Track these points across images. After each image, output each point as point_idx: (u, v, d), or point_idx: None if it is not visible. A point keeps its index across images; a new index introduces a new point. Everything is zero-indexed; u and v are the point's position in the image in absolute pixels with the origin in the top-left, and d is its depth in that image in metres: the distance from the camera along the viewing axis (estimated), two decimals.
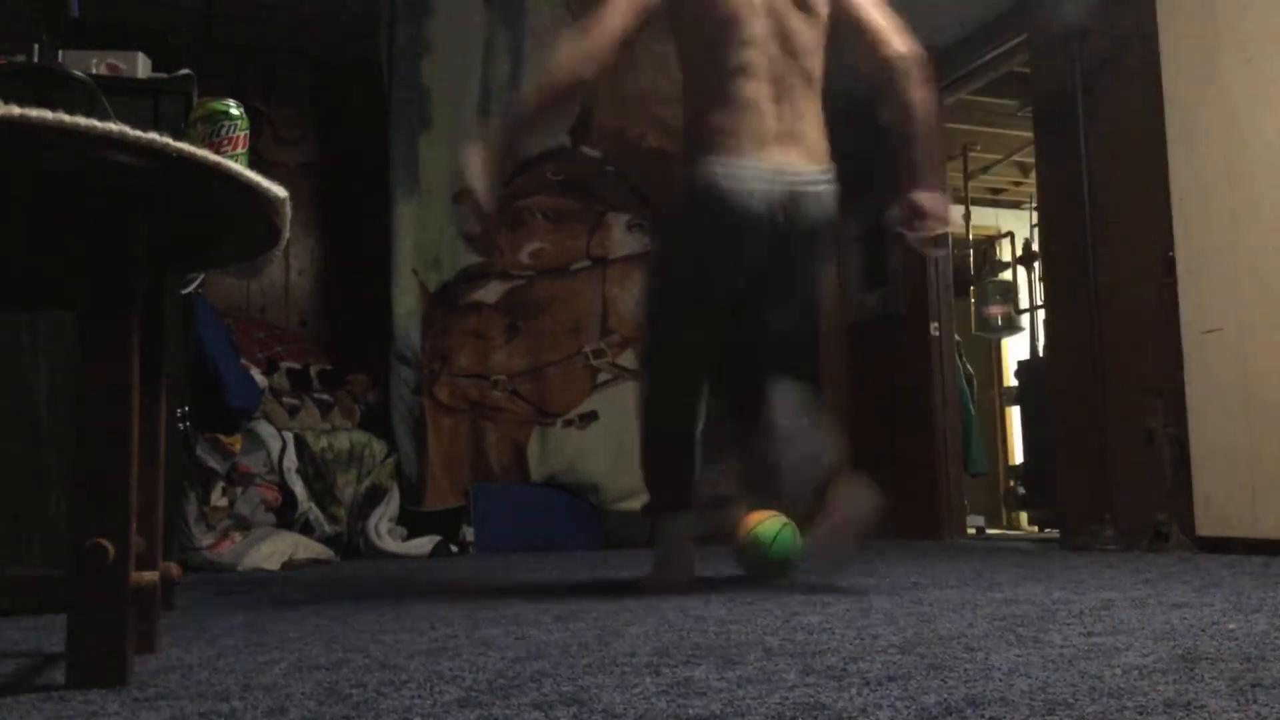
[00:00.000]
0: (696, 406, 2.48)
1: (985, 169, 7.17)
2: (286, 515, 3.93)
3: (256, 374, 4.13)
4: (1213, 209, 3.39)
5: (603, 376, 4.64)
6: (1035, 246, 6.56)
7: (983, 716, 0.96)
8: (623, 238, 4.78)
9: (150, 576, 1.33)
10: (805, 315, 2.49)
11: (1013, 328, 6.85)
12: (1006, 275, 7.06)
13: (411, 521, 4.30)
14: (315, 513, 4.00)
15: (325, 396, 4.32)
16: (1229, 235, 3.32)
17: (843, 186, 2.40)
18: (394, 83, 4.53)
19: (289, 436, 4.02)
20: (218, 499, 3.75)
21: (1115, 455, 3.81)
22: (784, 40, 2.32)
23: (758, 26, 2.30)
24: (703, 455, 2.55)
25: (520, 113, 2.46)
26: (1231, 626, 1.52)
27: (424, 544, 4.17)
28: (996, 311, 6.73)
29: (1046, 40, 4.25)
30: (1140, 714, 0.96)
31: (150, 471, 1.45)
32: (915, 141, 2.35)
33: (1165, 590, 2.08)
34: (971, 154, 6.80)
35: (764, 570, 2.58)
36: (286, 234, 1.41)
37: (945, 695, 1.06)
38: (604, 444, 4.49)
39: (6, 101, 1.05)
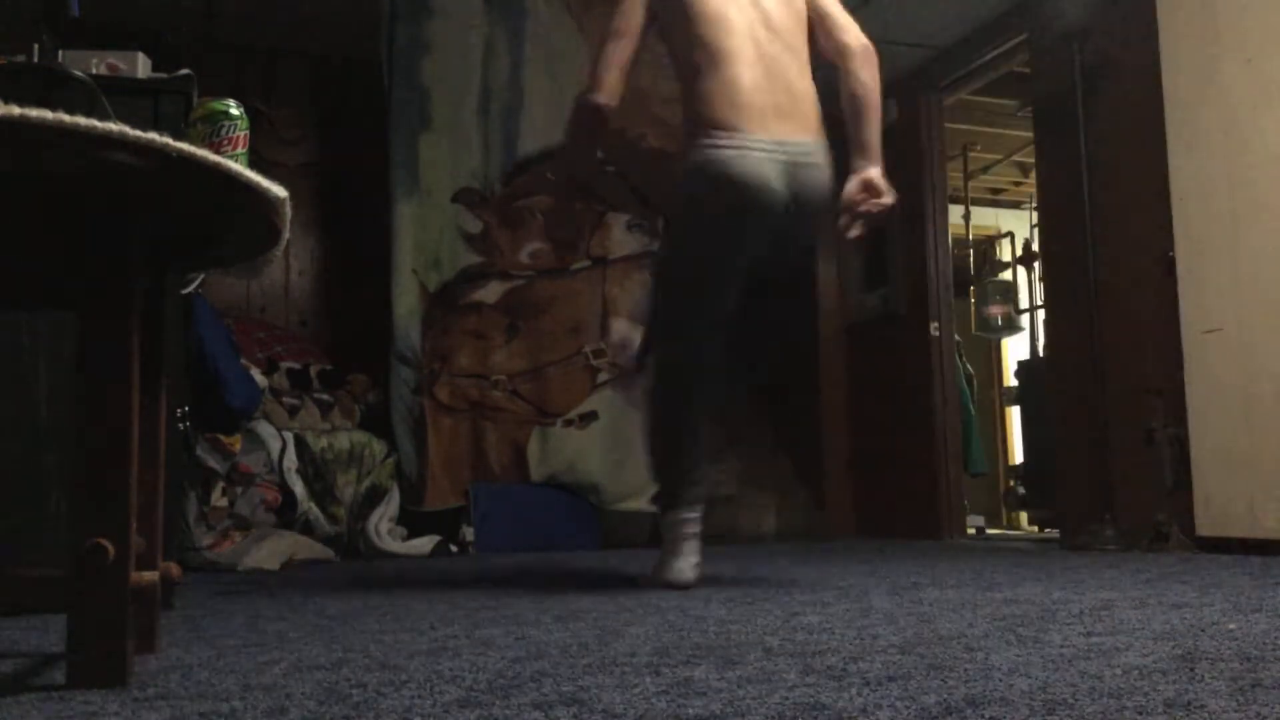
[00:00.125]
0: (705, 395, 2.50)
1: (985, 169, 7.17)
2: (286, 515, 3.93)
3: (256, 374, 4.12)
4: (1213, 209, 3.39)
5: (602, 376, 4.64)
6: (1035, 246, 6.57)
7: (983, 716, 0.96)
8: (623, 238, 4.78)
9: (150, 576, 1.33)
10: (797, 299, 2.58)
11: (1013, 328, 6.85)
12: (1006, 275, 7.06)
13: (411, 521, 4.30)
14: (315, 513, 4.00)
15: (325, 396, 4.32)
16: (1229, 235, 3.32)
17: (841, 186, 2.49)
18: (394, 82, 4.53)
19: (289, 436, 4.02)
20: (218, 499, 3.75)
21: (1115, 455, 3.81)
22: (767, 21, 2.47)
23: (740, 11, 2.45)
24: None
25: (579, 131, 2.55)
26: (1231, 626, 1.52)
27: (424, 544, 4.16)
28: (996, 311, 6.73)
29: (1046, 40, 4.25)
30: (1140, 714, 0.96)
31: (150, 471, 1.45)
32: (870, 125, 2.50)
33: (1165, 590, 2.08)
34: (971, 154, 6.80)
35: None
36: (286, 234, 1.41)
37: (945, 695, 1.06)
38: (604, 444, 4.49)
39: (6, 101, 1.05)
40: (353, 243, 4.97)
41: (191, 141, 1.40)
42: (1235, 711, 0.96)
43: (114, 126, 1.12)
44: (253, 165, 1.38)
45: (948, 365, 5.04)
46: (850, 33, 2.55)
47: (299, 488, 3.96)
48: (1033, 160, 4.76)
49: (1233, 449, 3.27)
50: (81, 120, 1.09)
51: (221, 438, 3.78)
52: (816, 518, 5.46)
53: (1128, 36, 3.83)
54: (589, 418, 4.58)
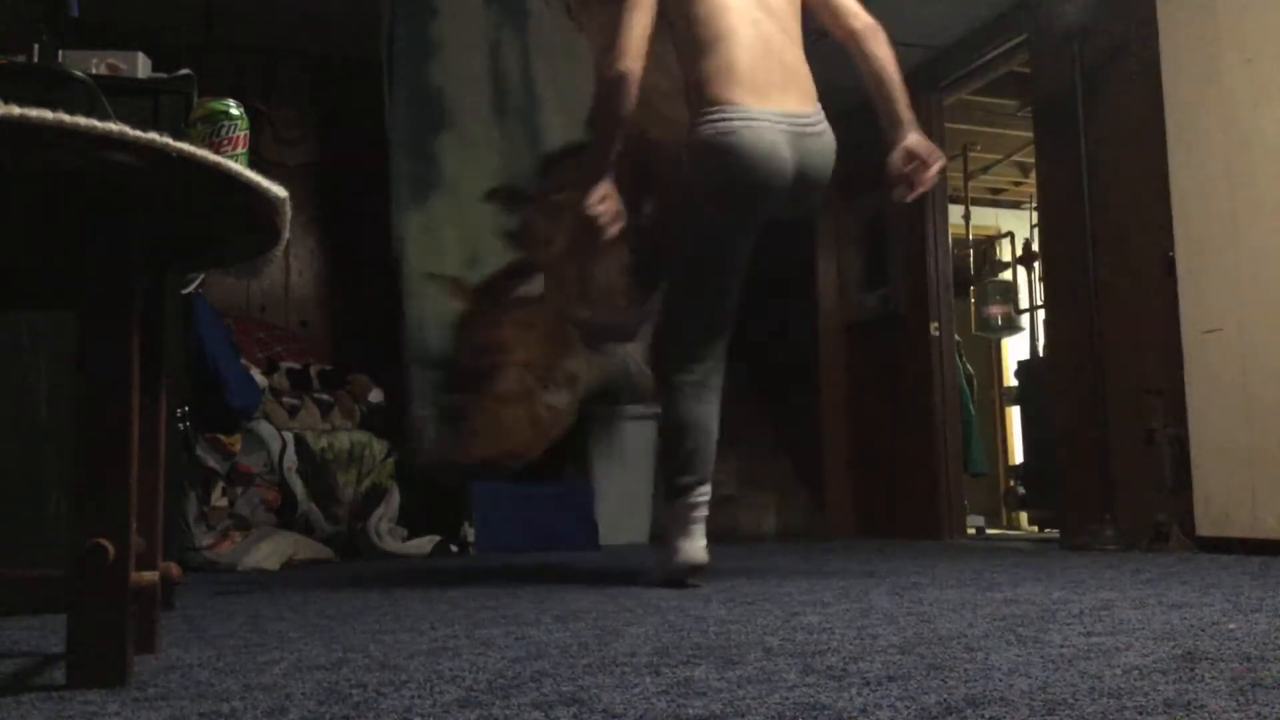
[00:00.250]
0: (719, 380, 2.54)
1: (985, 169, 7.17)
2: (286, 515, 3.93)
3: (256, 374, 4.12)
4: (1213, 209, 3.39)
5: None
6: (1035, 246, 6.57)
7: (983, 716, 0.96)
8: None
9: (150, 576, 1.33)
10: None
11: (1013, 328, 6.85)
12: (1006, 275, 7.06)
13: (411, 522, 4.30)
14: (315, 513, 4.00)
15: (325, 396, 4.32)
16: (1229, 235, 3.32)
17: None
18: (395, 82, 4.49)
19: (289, 436, 4.02)
20: (218, 499, 3.75)
21: (1115, 455, 3.81)
22: (763, 3, 2.54)
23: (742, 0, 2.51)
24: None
25: (599, 144, 2.57)
26: (1231, 626, 1.52)
27: (424, 544, 4.16)
28: (996, 311, 6.73)
29: (1046, 40, 4.25)
30: (1140, 714, 0.96)
31: (150, 471, 1.45)
32: (894, 97, 2.58)
33: (1165, 590, 2.08)
34: (971, 154, 6.80)
35: None
36: (286, 234, 1.41)
37: (945, 695, 1.06)
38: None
39: (6, 101, 1.05)
40: (353, 243, 4.97)
41: (191, 141, 1.40)
42: (1235, 711, 0.96)
43: (114, 126, 1.11)
44: (253, 165, 1.38)
45: (948, 365, 5.04)
46: (859, 16, 2.62)
47: (299, 488, 3.96)
48: (1033, 160, 4.76)
49: (1233, 449, 3.27)
50: (81, 120, 1.09)
51: (221, 438, 3.78)
52: (816, 518, 5.46)
53: (1128, 36, 3.83)
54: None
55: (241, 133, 1.53)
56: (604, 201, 2.47)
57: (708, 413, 2.50)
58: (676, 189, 2.56)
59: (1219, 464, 3.32)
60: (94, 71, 2.20)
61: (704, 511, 2.46)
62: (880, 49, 2.60)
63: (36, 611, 1.95)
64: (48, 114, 1.07)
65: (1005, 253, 7.43)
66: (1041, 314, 5.94)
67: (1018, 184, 7.46)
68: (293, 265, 5.00)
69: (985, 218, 7.59)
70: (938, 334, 5.02)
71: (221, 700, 1.12)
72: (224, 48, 4.84)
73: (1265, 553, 3.06)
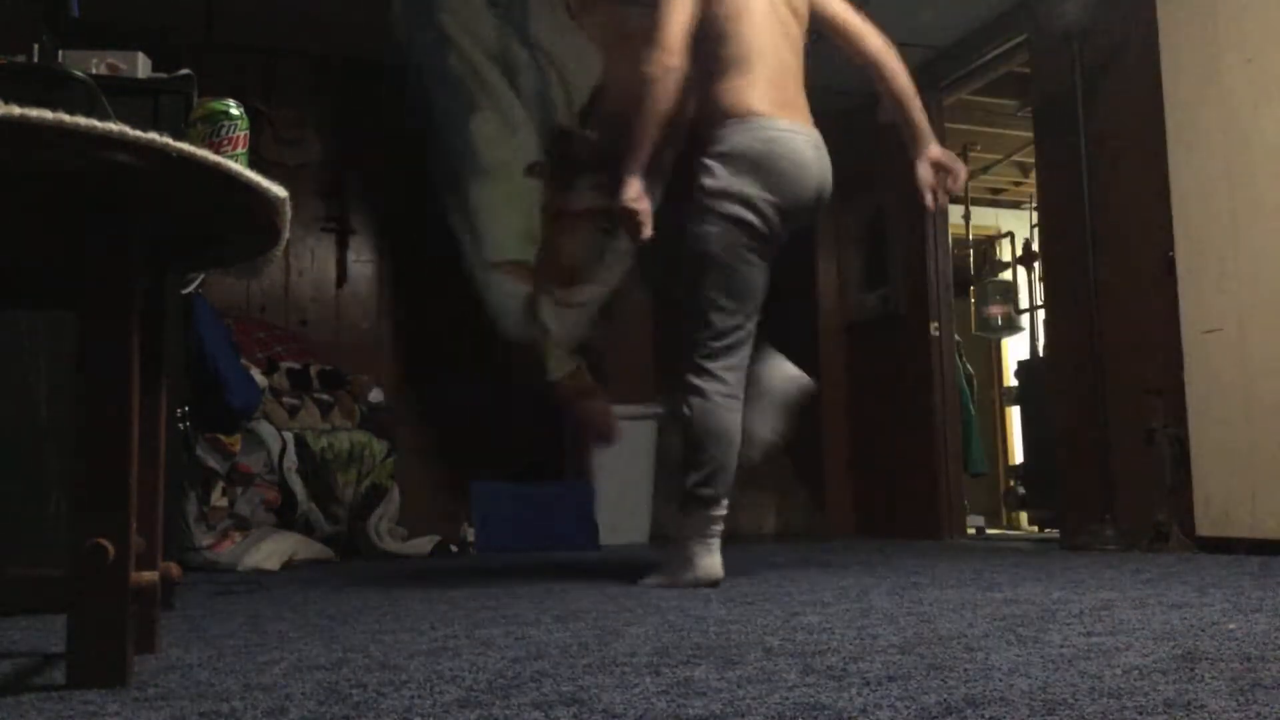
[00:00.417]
0: (743, 390, 2.56)
1: (985, 169, 7.17)
2: (286, 515, 3.93)
3: (256, 374, 4.12)
4: (1213, 209, 3.39)
5: None
6: (1035, 246, 6.56)
7: (983, 716, 0.96)
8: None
9: (150, 576, 1.33)
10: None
11: (1013, 328, 6.85)
12: (1006, 275, 7.06)
13: (411, 522, 4.30)
14: (315, 513, 4.00)
15: (325, 396, 4.32)
16: (1229, 235, 3.32)
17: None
18: (424, 73, 4.40)
19: (289, 436, 4.02)
20: (218, 499, 3.75)
21: (1115, 455, 3.81)
22: (785, 31, 2.65)
23: (766, 17, 2.61)
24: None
25: (638, 139, 2.55)
26: (1231, 626, 1.52)
27: (424, 544, 4.17)
28: (996, 311, 6.73)
29: (1046, 40, 4.25)
30: (1140, 714, 0.96)
31: (150, 471, 1.45)
32: (915, 110, 2.72)
33: (1165, 590, 2.08)
34: (971, 154, 6.80)
35: None
36: (286, 234, 1.41)
37: (945, 695, 1.06)
38: None
39: (6, 101, 1.05)
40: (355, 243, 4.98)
41: (191, 141, 1.40)
42: (1235, 711, 0.96)
43: (114, 126, 1.11)
44: (253, 165, 1.38)
45: (948, 365, 5.04)
46: (874, 38, 2.73)
47: (299, 488, 3.95)
48: (1033, 160, 4.76)
49: (1233, 449, 3.27)
50: (81, 120, 1.09)
51: (221, 438, 3.78)
52: (816, 518, 5.46)
53: (1128, 36, 3.83)
54: None
55: (241, 133, 1.53)
56: (639, 200, 2.49)
57: (736, 424, 2.51)
58: (702, 195, 2.51)
59: (1219, 464, 3.32)
60: (94, 71, 2.20)
61: (722, 525, 2.49)
62: (898, 66, 2.72)
63: (36, 611, 1.95)
64: (48, 114, 1.07)
65: (1005, 253, 7.43)
66: (1041, 314, 5.95)
67: (1018, 184, 7.46)
68: (293, 265, 5.00)
69: (985, 218, 7.58)
70: (938, 334, 5.02)
71: (221, 700, 1.12)
72: (224, 48, 4.84)
73: (1265, 553, 3.06)
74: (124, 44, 2.35)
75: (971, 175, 7.00)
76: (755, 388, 2.63)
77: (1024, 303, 6.97)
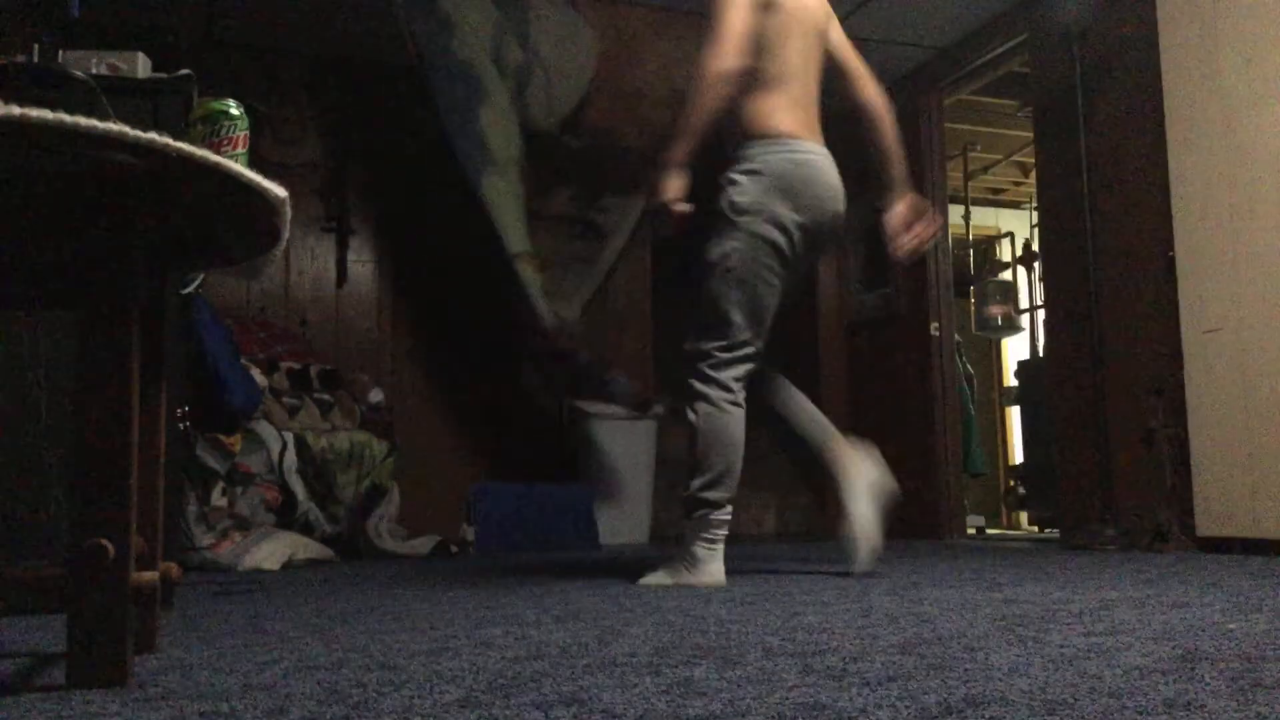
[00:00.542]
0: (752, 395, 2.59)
1: (985, 169, 7.18)
2: (286, 515, 3.93)
3: (256, 374, 4.12)
4: (1213, 209, 3.39)
5: None
6: (1035, 246, 6.57)
7: (983, 716, 0.96)
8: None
9: (150, 576, 1.33)
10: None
11: (1013, 328, 6.85)
12: (1006, 275, 7.06)
13: (411, 522, 4.30)
14: (315, 513, 4.00)
15: (325, 396, 4.32)
16: (1229, 235, 3.32)
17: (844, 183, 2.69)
18: (427, 64, 4.38)
19: (289, 436, 4.02)
20: (218, 499, 3.75)
21: (1115, 455, 3.81)
22: (813, 56, 2.69)
23: (801, 40, 2.64)
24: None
25: (686, 136, 2.53)
26: (1231, 626, 1.52)
27: (424, 544, 4.16)
28: (996, 311, 6.73)
29: (1046, 40, 4.25)
30: (1140, 714, 0.96)
31: (150, 471, 1.45)
32: (893, 168, 2.76)
33: (1165, 590, 2.08)
34: (971, 154, 6.80)
35: None
36: (286, 234, 1.41)
37: (945, 695, 1.06)
38: None
39: (6, 101, 1.05)
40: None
41: (191, 141, 1.40)
42: (1235, 711, 0.96)
43: (114, 126, 1.11)
44: (253, 165, 1.38)
45: (948, 365, 5.05)
46: (872, 85, 2.78)
47: (299, 488, 3.95)
48: (1033, 160, 4.76)
49: (1233, 449, 3.27)
50: (81, 120, 1.09)
51: (221, 438, 3.78)
52: (816, 518, 5.46)
53: (1128, 36, 3.83)
54: None
55: (241, 133, 1.53)
56: (679, 200, 2.49)
57: (742, 429, 2.52)
58: (730, 211, 2.51)
59: (1219, 464, 3.32)
60: (94, 71, 2.20)
61: (726, 530, 2.52)
62: (890, 120, 2.77)
63: (36, 611, 1.95)
64: (48, 114, 1.07)
65: (1005, 253, 7.43)
66: (1041, 314, 5.95)
67: (1018, 184, 7.46)
68: (292, 265, 5.00)
69: (985, 218, 7.59)
70: (938, 334, 5.02)
71: (221, 700, 1.12)
72: (224, 48, 4.84)
73: (1265, 553, 3.06)
74: (124, 44, 2.35)
75: (971, 175, 7.00)
76: (843, 483, 2.61)
77: (1024, 303, 6.97)
